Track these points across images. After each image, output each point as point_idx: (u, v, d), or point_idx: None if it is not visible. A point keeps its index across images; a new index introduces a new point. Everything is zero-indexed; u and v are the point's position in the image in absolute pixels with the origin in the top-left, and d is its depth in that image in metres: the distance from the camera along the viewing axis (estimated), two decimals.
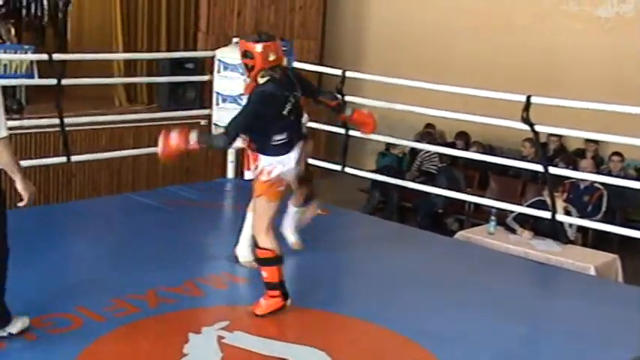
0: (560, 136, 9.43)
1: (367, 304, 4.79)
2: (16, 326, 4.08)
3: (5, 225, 3.93)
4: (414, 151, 9.93)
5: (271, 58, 4.48)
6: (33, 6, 11.05)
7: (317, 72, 8.39)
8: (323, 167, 7.41)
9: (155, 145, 4.37)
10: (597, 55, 9.69)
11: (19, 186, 3.84)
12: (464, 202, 8.48)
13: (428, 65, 10.42)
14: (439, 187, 7.91)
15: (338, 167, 7.34)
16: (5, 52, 8.25)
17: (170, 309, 4.50)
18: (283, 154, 4.54)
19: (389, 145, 9.87)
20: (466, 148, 9.43)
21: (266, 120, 4.47)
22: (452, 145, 9.60)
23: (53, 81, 6.70)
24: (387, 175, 7.90)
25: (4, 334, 4.01)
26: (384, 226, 7.27)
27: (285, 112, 4.49)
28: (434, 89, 6.83)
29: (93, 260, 5.05)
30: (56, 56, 7.08)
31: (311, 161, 7.17)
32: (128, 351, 4.05)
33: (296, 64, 8.10)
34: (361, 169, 7.94)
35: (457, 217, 9.25)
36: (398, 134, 8.14)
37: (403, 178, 8.67)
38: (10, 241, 3.95)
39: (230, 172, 7.86)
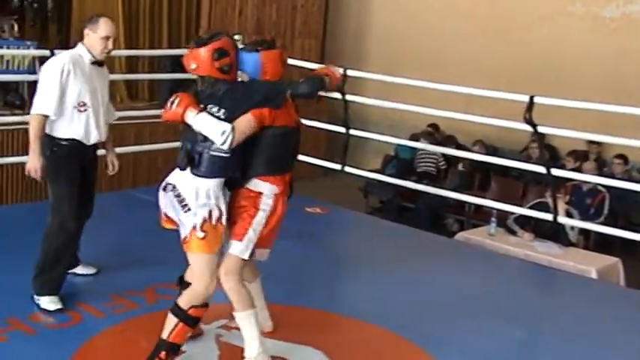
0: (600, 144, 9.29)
1: (366, 304, 4.76)
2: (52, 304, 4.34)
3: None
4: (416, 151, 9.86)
5: None
6: (37, 2, 11.02)
7: None
8: (323, 166, 7.39)
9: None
10: (602, 55, 9.65)
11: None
12: (464, 203, 8.43)
13: (429, 65, 10.36)
14: (448, 187, 7.83)
15: (338, 167, 7.20)
16: (8, 48, 8.22)
17: (168, 306, 4.48)
18: None
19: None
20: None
21: None
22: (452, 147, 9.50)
23: None
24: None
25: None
26: (384, 226, 7.25)
27: None
28: (436, 89, 6.78)
29: (93, 256, 5.03)
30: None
31: (312, 160, 7.21)
32: (126, 347, 4.04)
33: (297, 63, 8.11)
34: (362, 169, 7.89)
35: (457, 218, 9.22)
36: (399, 134, 8.11)
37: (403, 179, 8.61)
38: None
39: None
